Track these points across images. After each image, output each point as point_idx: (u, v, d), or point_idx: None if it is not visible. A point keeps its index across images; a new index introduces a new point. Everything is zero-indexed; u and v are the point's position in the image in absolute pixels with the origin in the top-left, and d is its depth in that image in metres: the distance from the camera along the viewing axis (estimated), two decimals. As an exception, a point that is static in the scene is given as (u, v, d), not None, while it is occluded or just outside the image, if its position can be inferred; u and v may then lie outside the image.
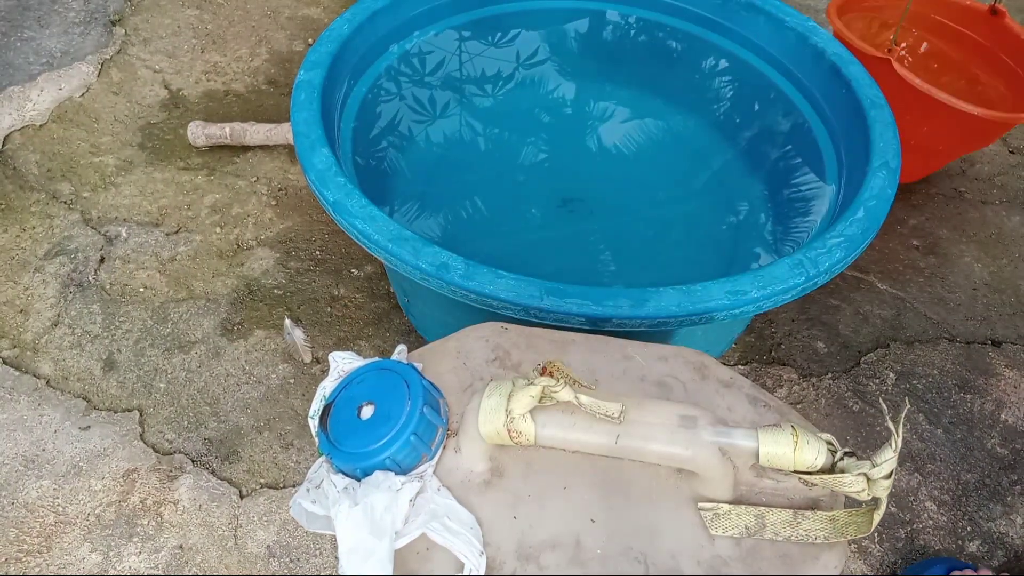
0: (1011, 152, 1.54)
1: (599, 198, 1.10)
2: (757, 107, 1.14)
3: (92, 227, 1.23)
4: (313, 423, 0.46)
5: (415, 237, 0.71)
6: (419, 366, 0.49)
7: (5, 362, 1.05)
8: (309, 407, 0.48)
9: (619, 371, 0.50)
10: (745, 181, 1.11)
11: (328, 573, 0.88)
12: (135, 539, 0.89)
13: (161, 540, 0.89)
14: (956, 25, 1.41)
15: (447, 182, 1.11)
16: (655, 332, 0.69)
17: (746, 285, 0.67)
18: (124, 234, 1.23)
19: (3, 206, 1.26)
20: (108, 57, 1.54)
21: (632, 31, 1.24)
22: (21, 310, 1.12)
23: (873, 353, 1.13)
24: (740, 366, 1.11)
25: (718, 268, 1.01)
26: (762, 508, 0.41)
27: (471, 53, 1.21)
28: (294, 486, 0.95)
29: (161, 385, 1.04)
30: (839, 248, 0.71)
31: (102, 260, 1.19)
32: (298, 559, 0.89)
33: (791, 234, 0.97)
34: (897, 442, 0.38)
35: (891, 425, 0.39)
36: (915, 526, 0.95)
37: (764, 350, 1.13)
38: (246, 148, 1.38)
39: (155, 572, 0.87)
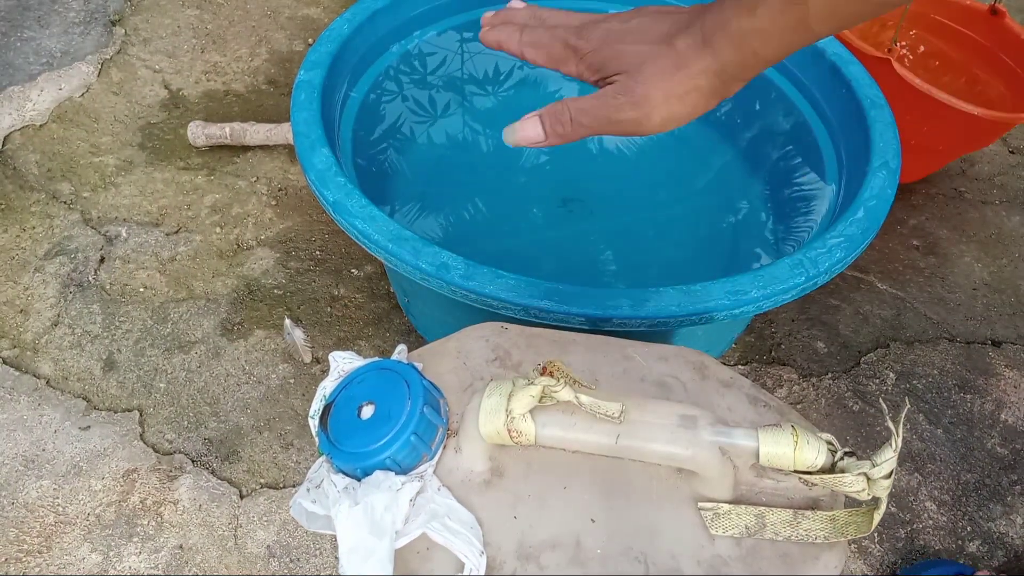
0: (1011, 152, 1.54)
1: (599, 198, 1.10)
2: (757, 107, 1.14)
3: (92, 227, 1.23)
4: (313, 423, 0.46)
5: (415, 237, 0.71)
6: (419, 366, 0.48)
7: (5, 362, 1.05)
8: (309, 407, 0.48)
9: (619, 371, 0.50)
10: (745, 181, 1.11)
11: (328, 573, 0.88)
12: (135, 539, 0.89)
13: (161, 540, 0.89)
14: (956, 25, 1.41)
15: (447, 182, 1.11)
16: (655, 332, 0.69)
17: (746, 285, 0.67)
18: (124, 234, 1.23)
19: (3, 206, 1.26)
20: (108, 57, 1.54)
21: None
22: (21, 310, 1.12)
23: (873, 353, 1.13)
24: (740, 366, 1.11)
25: (718, 268, 1.01)
26: (762, 508, 0.41)
27: (472, 53, 1.21)
28: (294, 486, 0.95)
29: (161, 385, 1.04)
30: (839, 248, 0.71)
31: (102, 260, 1.19)
32: (298, 559, 0.89)
33: (791, 234, 0.97)
34: (897, 442, 0.38)
35: (891, 425, 0.39)
36: (915, 526, 0.95)
37: (764, 350, 1.13)
38: (246, 148, 1.38)
39: (155, 572, 0.87)
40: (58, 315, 1.11)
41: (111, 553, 0.88)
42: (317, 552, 0.89)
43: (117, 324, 1.10)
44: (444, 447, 0.45)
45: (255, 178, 1.34)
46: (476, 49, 1.22)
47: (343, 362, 0.49)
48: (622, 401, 0.41)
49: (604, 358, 0.51)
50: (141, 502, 0.92)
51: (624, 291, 0.66)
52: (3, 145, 1.36)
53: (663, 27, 0.40)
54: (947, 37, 1.43)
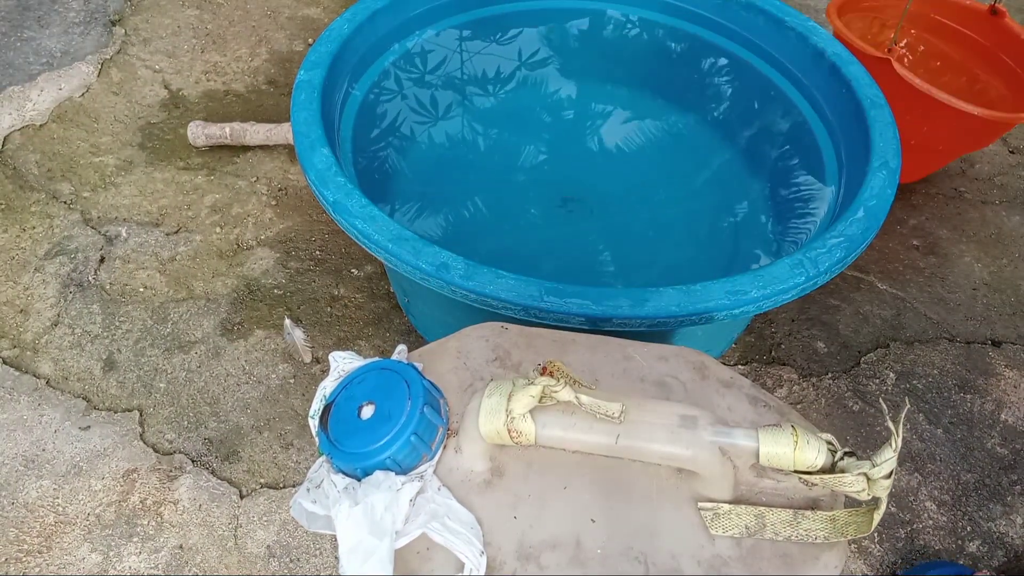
0: (1011, 152, 1.54)
1: (599, 198, 1.10)
2: (757, 107, 1.14)
3: (92, 227, 1.23)
4: (313, 423, 0.46)
5: (415, 237, 0.71)
6: (419, 366, 0.49)
7: (5, 362, 1.05)
8: (309, 407, 0.48)
9: (619, 371, 0.50)
10: (745, 181, 1.11)
11: (328, 573, 0.88)
12: (135, 539, 0.89)
13: (161, 540, 0.89)
14: (956, 25, 1.41)
15: (447, 182, 1.11)
16: (655, 332, 0.69)
17: (746, 285, 0.67)
18: (124, 234, 1.23)
19: (3, 206, 1.26)
20: (108, 57, 1.54)
21: (632, 31, 1.24)
22: (21, 310, 1.12)
23: (873, 353, 1.13)
24: (740, 366, 1.11)
25: (718, 268, 1.01)
26: (762, 508, 0.41)
27: (471, 53, 1.21)
28: (294, 486, 0.95)
29: (161, 385, 1.04)
30: (839, 248, 0.71)
31: (102, 260, 1.19)
32: (298, 559, 0.89)
33: (791, 234, 0.97)
34: (897, 442, 0.38)
35: (891, 425, 0.39)
36: (915, 526, 0.95)
37: (764, 350, 1.13)
38: (246, 148, 1.38)
39: (155, 572, 0.87)
40: (58, 315, 1.11)
41: (111, 553, 0.88)
42: (317, 552, 0.89)
43: (117, 324, 1.10)
44: (444, 447, 0.45)
45: (255, 178, 1.34)
46: (476, 49, 1.22)
47: (343, 362, 0.49)
48: (622, 401, 0.41)
49: (604, 358, 0.51)
50: (141, 502, 0.92)
51: (624, 291, 0.66)
52: (3, 145, 1.36)
53: None
54: (947, 37, 1.43)
